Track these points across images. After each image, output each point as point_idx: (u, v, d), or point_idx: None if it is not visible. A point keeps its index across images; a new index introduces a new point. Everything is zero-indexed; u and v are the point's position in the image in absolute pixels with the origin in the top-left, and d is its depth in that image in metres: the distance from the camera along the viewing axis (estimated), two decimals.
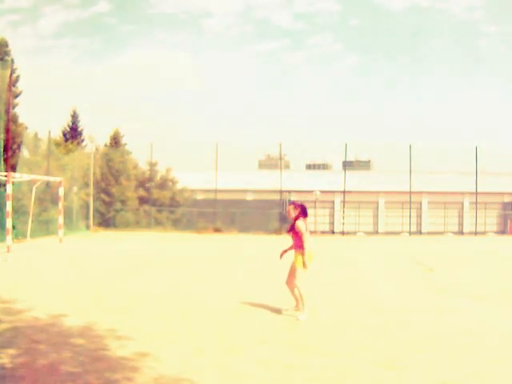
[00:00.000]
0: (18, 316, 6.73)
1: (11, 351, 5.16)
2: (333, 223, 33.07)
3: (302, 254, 6.82)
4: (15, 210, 15.87)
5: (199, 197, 28.72)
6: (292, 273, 7.02)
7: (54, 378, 4.46)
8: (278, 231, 23.50)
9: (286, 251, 7.37)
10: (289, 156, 43.43)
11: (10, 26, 74.04)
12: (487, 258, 15.57)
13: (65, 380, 4.40)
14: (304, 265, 6.83)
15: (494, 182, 31.94)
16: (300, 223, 6.90)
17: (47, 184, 20.00)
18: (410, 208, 24.90)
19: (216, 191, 25.20)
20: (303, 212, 7.05)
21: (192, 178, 27.70)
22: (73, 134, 31.59)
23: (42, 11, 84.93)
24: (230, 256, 14.84)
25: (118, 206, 24.65)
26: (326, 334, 6.16)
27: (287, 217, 7.15)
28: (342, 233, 25.23)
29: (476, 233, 25.48)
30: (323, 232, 28.45)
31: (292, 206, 7.11)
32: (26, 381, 4.36)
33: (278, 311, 7.31)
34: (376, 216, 35.58)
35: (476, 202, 25.31)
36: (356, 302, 7.92)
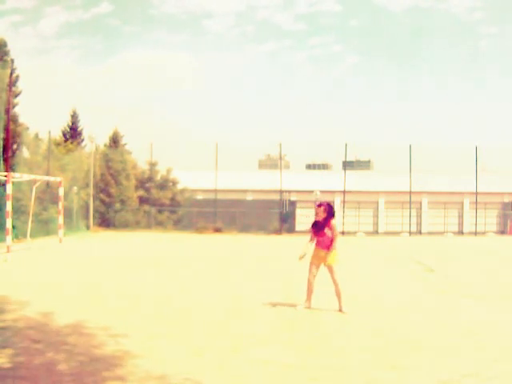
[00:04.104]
0: (16, 316, 6.73)
1: (9, 351, 5.16)
2: None
3: (335, 251, 7.29)
4: (15, 210, 15.85)
5: (199, 197, 28.70)
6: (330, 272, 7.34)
7: (52, 378, 4.45)
8: (278, 231, 23.47)
9: (305, 254, 7.45)
10: (289, 156, 43.42)
11: (11, 26, 74.09)
12: (487, 257, 15.56)
13: (63, 380, 4.40)
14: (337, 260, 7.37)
15: (493, 182, 31.90)
16: (334, 223, 7.27)
17: (47, 184, 19.99)
18: (410, 208, 24.89)
19: (216, 191, 25.19)
20: (332, 212, 7.33)
21: (192, 177, 27.68)
22: (73, 134, 31.53)
23: (43, 12, 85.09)
24: (230, 256, 14.83)
25: (118, 206, 24.64)
26: (325, 334, 6.16)
27: (316, 218, 7.28)
28: (342, 233, 25.18)
29: (476, 233, 25.47)
30: None
31: (322, 208, 7.28)
32: (25, 381, 4.36)
33: (278, 311, 7.31)
34: (376, 216, 35.54)
35: (476, 202, 25.30)
36: (356, 301, 7.92)
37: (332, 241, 7.28)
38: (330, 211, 7.31)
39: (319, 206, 7.39)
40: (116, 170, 25.36)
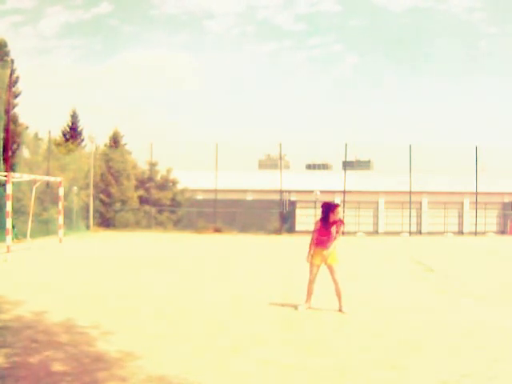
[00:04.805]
0: (16, 315, 6.73)
1: (8, 351, 5.15)
2: None
3: (335, 251, 7.35)
4: (15, 210, 15.85)
5: (199, 197, 28.71)
6: (331, 271, 7.34)
7: (51, 378, 4.45)
8: (278, 231, 23.47)
9: (310, 253, 7.45)
10: (289, 156, 43.45)
11: (12, 26, 74.18)
12: (487, 257, 15.56)
13: (62, 380, 4.39)
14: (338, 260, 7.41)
15: (493, 182, 31.91)
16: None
17: (47, 184, 19.99)
18: (410, 208, 24.88)
19: (216, 191, 25.18)
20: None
21: (192, 177, 27.69)
22: (73, 134, 31.54)
23: (43, 12, 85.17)
24: (230, 256, 14.83)
25: (118, 206, 24.64)
26: (326, 334, 6.16)
27: (335, 217, 7.32)
28: (343, 233, 25.10)
29: (476, 233, 25.46)
30: None
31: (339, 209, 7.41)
32: (24, 381, 4.36)
33: (278, 311, 7.31)
34: (376, 216, 35.55)
35: (476, 202, 25.29)
36: (356, 301, 7.92)
37: (333, 239, 7.32)
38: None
39: (337, 205, 7.48)
40: (116, 170, 25.37)
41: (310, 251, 7.42)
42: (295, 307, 7.44)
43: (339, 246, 7.54)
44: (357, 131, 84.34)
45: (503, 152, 28.62)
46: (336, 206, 7.49)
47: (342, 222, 7.42)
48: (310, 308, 7.41)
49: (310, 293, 7.43)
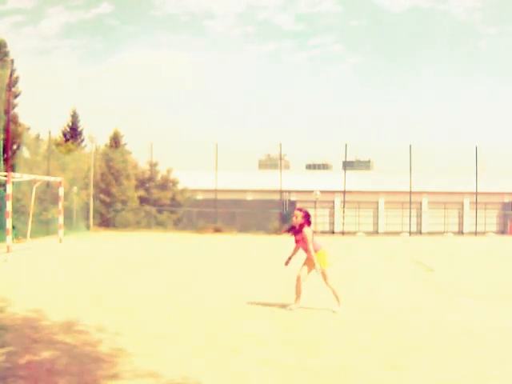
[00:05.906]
0: (15, 315, 6.73)
1: (8, 350, 5.15)
2: (333, 223, 33.03)
3: (321, 255, 7.20)
4: (15, 210, 15.85)
5: (199, 197, 28.72)
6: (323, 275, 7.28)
7: (51, 378, 4.45)
8: (277, 231, 23.48)
9: (290, 258, 7.58)
10: (289, 156, 43.43)
11: (13, 26, 74.18)
12: (487, 257, 15.56)
13: (63, 380, 4.39)
14: (326, 263, 7.23)
15: (493, 182, 31.90)
16: (308, 231, 7.19)
17: (47, 184, 19.99)
18: (410, 208, 24.89)
19: (216, 191, 25.19)
20: (309, 220, 7.32)
21: (192, 177, 27.70)
22: (73, 134, 31.55)
23: (44, 12, 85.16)
24: (230, 256, 14.83)
25: (118, 206, 24.64)
26: (326, 334, 6.16)
27: (294, 221, 7.33)
28: (342, 233, 25.21)
29: (476, 233, 25.47)
30: (323, 232, 28.37)
31: (301, 214, 7.28)
32: (24, 380, 4.36)
33: (277, 311, 7.31)
34: (376, 216, 35.54)
35: (476, 202, 25.31)
36: (356, 301, 7.92)
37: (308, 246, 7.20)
38: (307, 218, 7.30)
39: (299, 210, 7.39)
40: (116, 169, 25.37)
41: (291, 255, 7.56)
42: (285, 308, 7.38)
43: (331, 247, 7.54)
44: (357, 131, 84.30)
45: (503, 152, 28.68)
46: (298, 209, 7.44)
47: (301, 227, 7.22)
48: (301, 307, 7.35)
49: (298, 291, 7.35)
